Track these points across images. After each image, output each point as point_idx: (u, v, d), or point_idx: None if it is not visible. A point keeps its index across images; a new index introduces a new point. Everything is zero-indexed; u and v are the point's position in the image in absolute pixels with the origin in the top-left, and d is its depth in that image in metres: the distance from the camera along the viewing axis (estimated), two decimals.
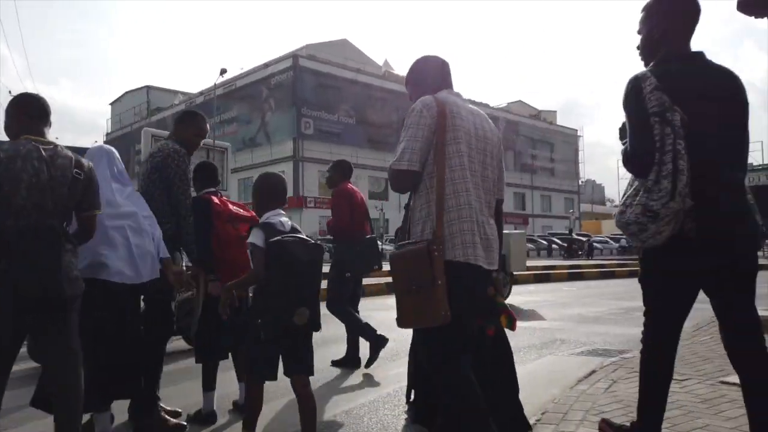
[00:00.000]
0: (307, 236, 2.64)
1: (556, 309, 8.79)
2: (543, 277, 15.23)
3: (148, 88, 58.23)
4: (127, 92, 59.25)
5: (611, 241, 43.90)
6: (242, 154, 41.13)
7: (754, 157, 54.02)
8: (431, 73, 2.56)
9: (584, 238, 36.85)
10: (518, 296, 10.85)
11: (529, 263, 21.45)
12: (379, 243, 6.67)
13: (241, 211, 3.50)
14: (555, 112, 64.69)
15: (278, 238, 2.52)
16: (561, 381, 4.20)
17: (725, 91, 2.13)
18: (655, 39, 2.24)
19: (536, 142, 57.65)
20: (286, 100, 41.89)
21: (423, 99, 2.34)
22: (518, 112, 58.06)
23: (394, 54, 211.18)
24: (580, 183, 66.23)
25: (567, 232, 39.22)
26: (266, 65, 43.92)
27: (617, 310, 8.60)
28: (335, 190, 4.90)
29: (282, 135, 41.92)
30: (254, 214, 3.09)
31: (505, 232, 10.20)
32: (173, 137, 3.42)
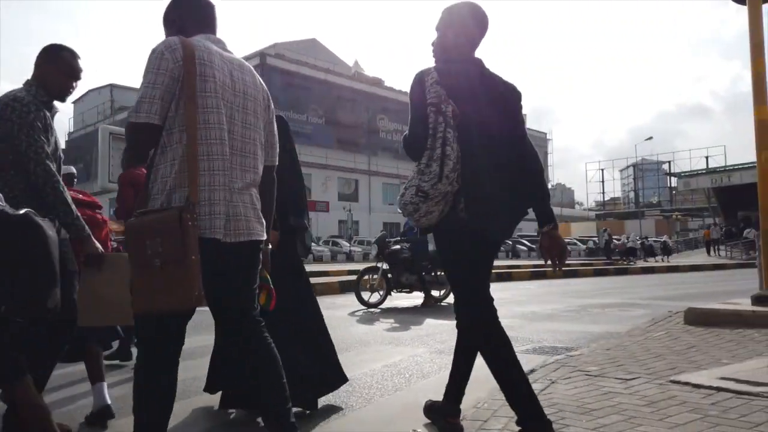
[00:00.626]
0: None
1: (509, 306, 8.30)
2: (505, 276, 14.81)
3: (112, 86, 56.62)
4: (90, 90, 57.47)
5: (579, 243, 44.09)
6: None
7: (717, 161, 55.02)
8: (189, 11, 2.09)
9: None
10: None
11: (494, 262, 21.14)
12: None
13: (80, 195, 3.15)
14: (525, 115, 64.89)
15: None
16: (493, 382, 3.67)
17: (495, 94, 2.34)
18: (447, 43, 2.39)
19: None
20: None
21: (166, 40, 1.93)
22: None
23: (365, 55, 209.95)
24: (550, 186, 66.49)
25: (536, 234, 39.11)
26: None
27: (574, 307, 8.15)
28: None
29: None
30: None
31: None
32: (33, 80, 2.71)
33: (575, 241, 44.79)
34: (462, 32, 2.39)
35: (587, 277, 15.88)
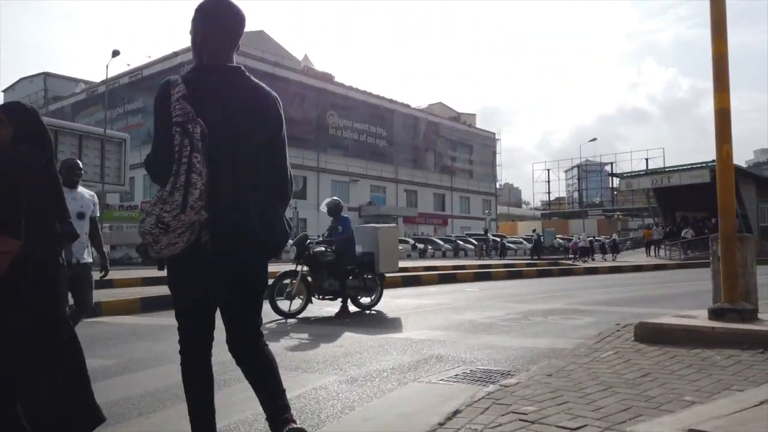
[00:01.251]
0: None
1: (446, 314, 7.55)
2: (449, 278, 14.14)
3: (46, 75, 53.27)
4: (22, 79, 53.90)
5: (525, 242, 44.34)
6: (149, 148, 38.00)
7: (657, 162, 56.64)
8: None
9: (498, 239, 36.55)
10: (412, 299, 9.58)
11: (437, 263, 20.61)
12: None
13: None
14: (474, 115, 65.18)
15: None
16: (409, 428, 2.85)
17: (253, 108, 2.12)
18: (198, 43, 2.15)
19: (456, 144, 57.67)
20: None
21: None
22: (439, 114, 57.88)
23: (315, 49, 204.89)
24: (498, 186, 67.08)
25: (483, 232, 38.87)
26: (175, 54, 40.94)
27: (515, 314, 7.48)
28: None
29: None
30: None
31: (371, 225, 8.79)
32: None
33: (521, 239, 45.03)
34: (215, 35, 2.13)
35: (531, 279, 15.41)
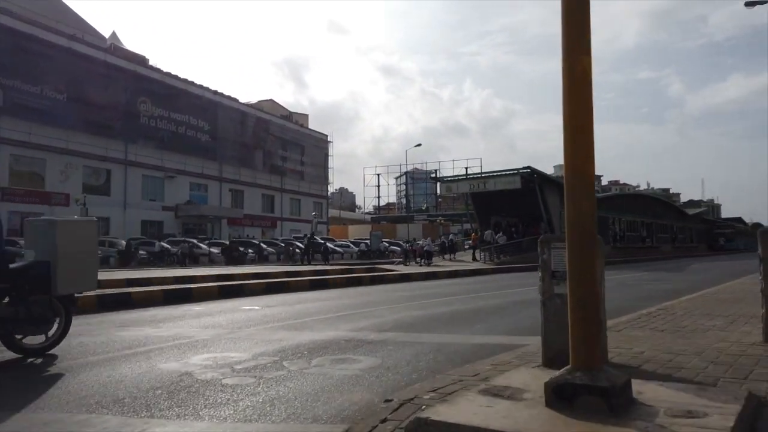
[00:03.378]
0: None
1: (182, 354, 4.67)
2: (234, 291, 11.15)
3: None
4: None
5: (352, 246, 42.80)
6: None
7: (476, 170, 59.17)
8: None
9: (323, 242, 34.21)
10: (139, 329, 6.50)
11: (216, 271, 17.63)
12: None
13: None
14: (307, 115, 62.72)
15: None
16: None
17: None
18: None
19: (287, 143, 54.52)
20: None
21: None
22: (270, 111, 54.33)
23: (125, 27, 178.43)
24: (331, 189, 65.37)
25: (308, 235, 36.10)
26: None
27: (269, 355, 4.85)
28: None
29: None
30: None
31: (45, 219, 4.52)
32: None
33: (348, 243, 43.44)
34: None
35: (337, 289, 13.05)
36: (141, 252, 29.41)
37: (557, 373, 2.23)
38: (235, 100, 49.39)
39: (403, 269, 20.17)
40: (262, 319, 7.50)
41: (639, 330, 5.32)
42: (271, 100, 58.18)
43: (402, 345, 5.38)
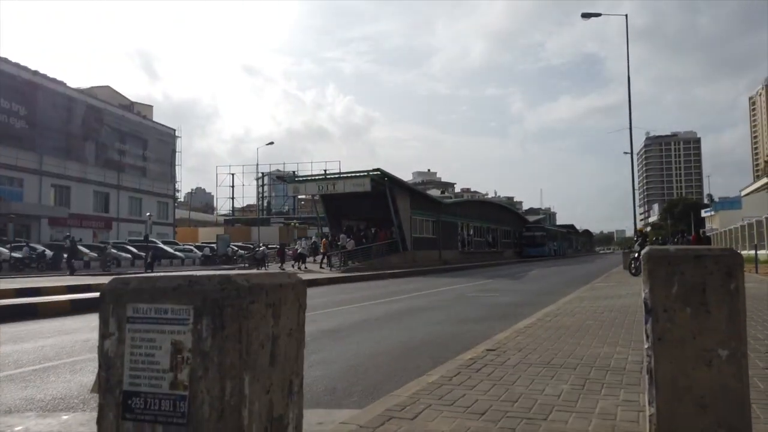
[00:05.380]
0: None
1: None
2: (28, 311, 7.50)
3: None
4: None
5: (196, 250, 38.51)
6: None
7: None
8: None
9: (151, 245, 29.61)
10: None
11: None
12: None
13: None
14: (151, 107, 56.36)
15: None
16: None
17: None
18: None
19: (126, 135, 48.09)
20: None
21: None
22: (106, 99, 47.57)
23: None
24: (183, 188, 59.44)
25: (69, 236, 29.53)
26: None
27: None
28: None
29: None
30: None
31: None
32: None
33: (191, 247, 39.00)
34: None
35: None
36: None
37: None
38: (62, 83, 42.34)
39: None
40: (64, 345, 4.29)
41: (441, 412, 3.17)
42: (108, 86, 51.17)
43: None
